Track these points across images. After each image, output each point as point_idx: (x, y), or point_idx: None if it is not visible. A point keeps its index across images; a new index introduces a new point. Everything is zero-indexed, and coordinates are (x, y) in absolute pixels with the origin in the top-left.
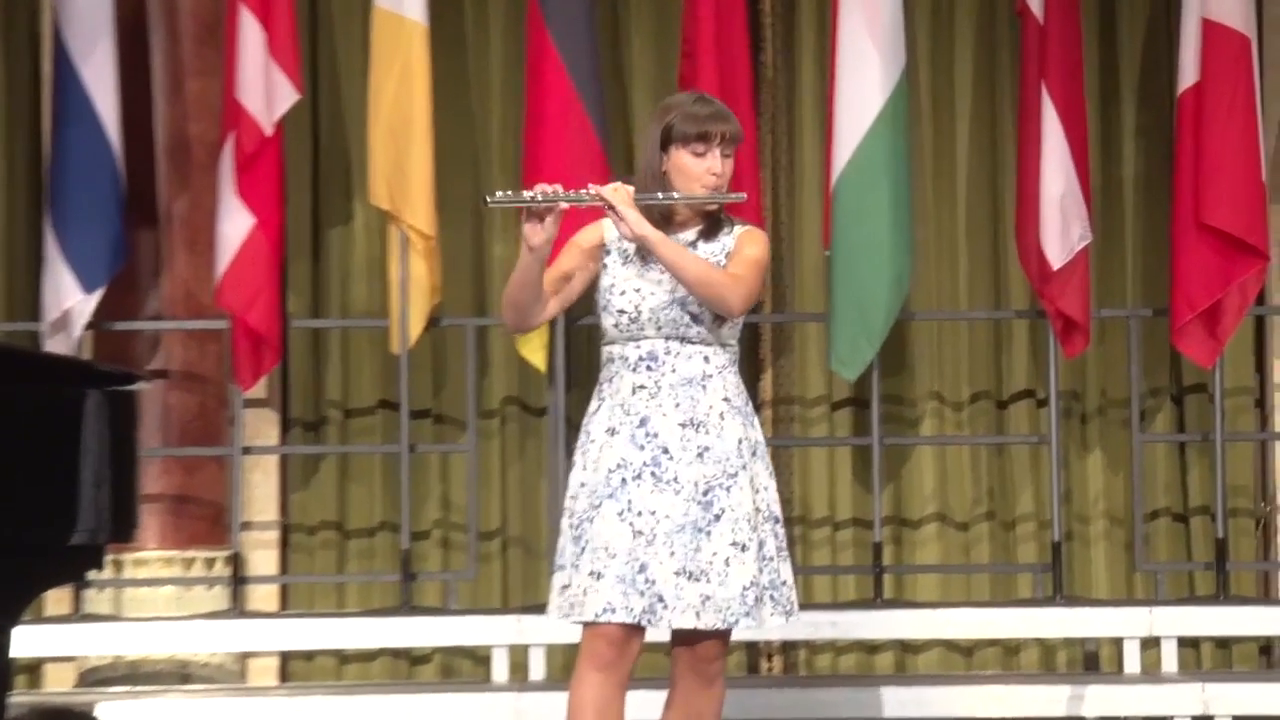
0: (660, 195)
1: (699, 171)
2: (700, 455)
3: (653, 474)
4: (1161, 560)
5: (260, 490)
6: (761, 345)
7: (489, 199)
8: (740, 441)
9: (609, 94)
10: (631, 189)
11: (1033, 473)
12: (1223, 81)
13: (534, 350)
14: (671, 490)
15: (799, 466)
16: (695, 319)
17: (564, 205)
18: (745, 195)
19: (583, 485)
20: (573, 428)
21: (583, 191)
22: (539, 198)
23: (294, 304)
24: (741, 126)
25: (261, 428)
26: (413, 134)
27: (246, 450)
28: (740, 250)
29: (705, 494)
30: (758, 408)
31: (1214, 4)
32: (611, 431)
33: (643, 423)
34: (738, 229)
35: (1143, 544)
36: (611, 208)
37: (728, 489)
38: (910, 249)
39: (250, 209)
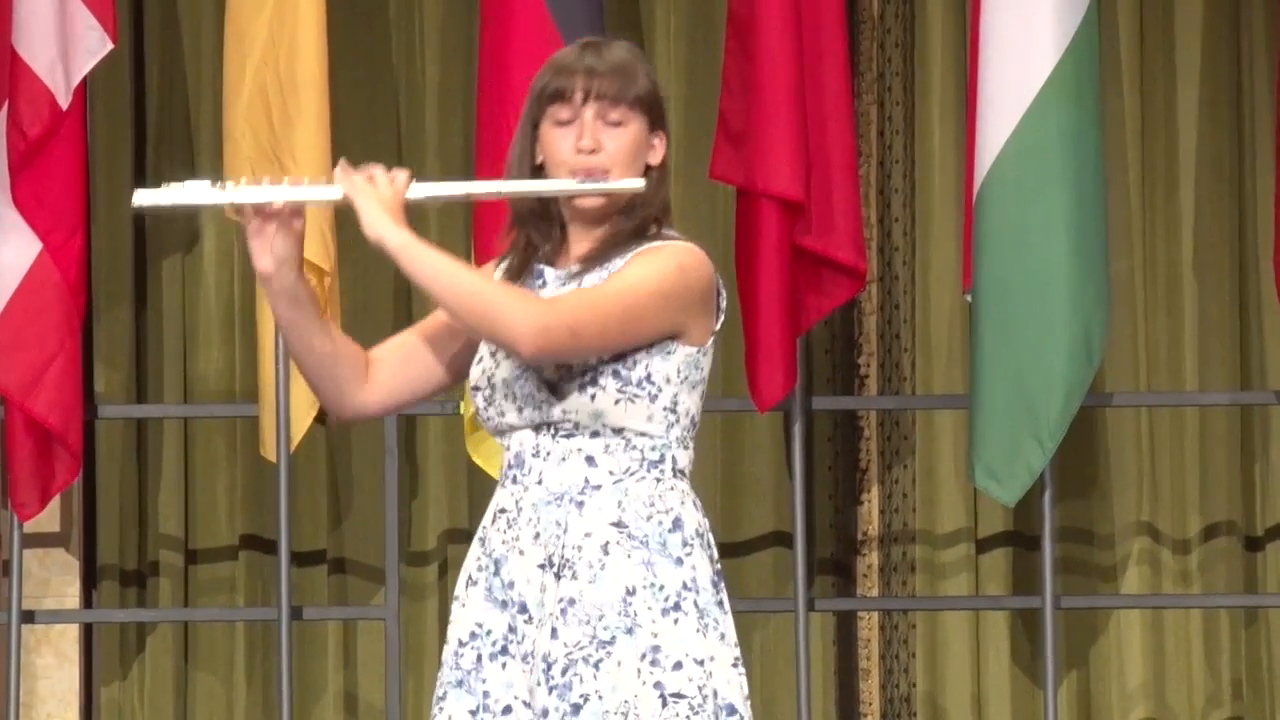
0: (492, 185)
1: (565, 151)
2: (563, 612)
3: (519, 645)
4: None
5: (52, 681)
6: (862, 448)
7: (136, 201)
8: (630, 592)
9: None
10: (405, 173)
11: None
12: None
13: (492, 453)
14: (523, 668)
15: (924, 644)
16: (554, 390)
17: (279, 204)
18: (642, 183)
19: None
20: None
21: (312, 185)
22: (230, 194)
23: (106, 381)
24: (652, 82)
25: (53, 581)
26: (298, 104)
27: (29, 617)
28: (624, 268)
29: (564, 672)
30: (855, 545)
31: None
32: (469, 582)
33: (497, 567)
34: (647, 245)
35: None
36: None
37: (596, 665)
38: (1105, 292)
39: (34, 227)
